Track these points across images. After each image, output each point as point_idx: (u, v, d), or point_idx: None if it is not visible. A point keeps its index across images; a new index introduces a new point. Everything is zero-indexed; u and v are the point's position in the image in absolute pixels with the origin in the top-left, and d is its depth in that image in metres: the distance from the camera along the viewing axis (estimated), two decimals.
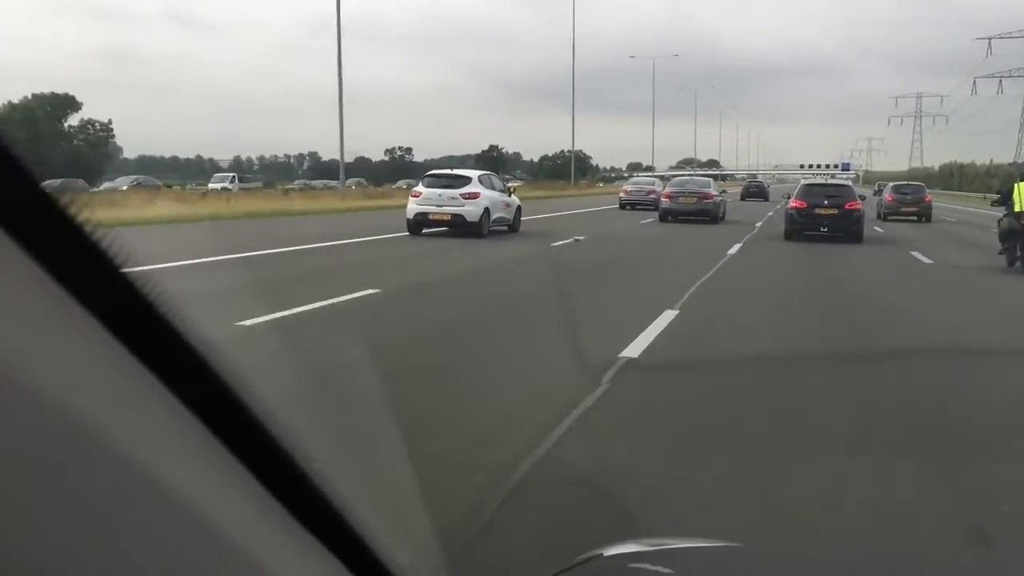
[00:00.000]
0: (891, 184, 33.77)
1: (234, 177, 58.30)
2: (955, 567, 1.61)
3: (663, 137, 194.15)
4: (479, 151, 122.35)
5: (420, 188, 18.81)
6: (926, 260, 15.86)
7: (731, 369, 6.59)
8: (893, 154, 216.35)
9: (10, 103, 63.83)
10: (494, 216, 18.80)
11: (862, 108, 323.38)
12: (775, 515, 3.73)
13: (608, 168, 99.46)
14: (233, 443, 0.61)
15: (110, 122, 68.54)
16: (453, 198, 18.05)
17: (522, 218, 20.88)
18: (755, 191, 55.83)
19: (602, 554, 1.28)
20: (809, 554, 1.89)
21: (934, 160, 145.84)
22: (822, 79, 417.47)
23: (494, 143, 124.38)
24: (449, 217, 18.03)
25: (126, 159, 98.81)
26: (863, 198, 21.38)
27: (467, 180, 18.65)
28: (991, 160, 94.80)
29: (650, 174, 62.42)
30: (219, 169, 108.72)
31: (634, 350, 6.77)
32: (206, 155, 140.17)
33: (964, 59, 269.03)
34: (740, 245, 17.85)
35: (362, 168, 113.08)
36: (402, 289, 10.24)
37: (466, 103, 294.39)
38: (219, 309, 7.61)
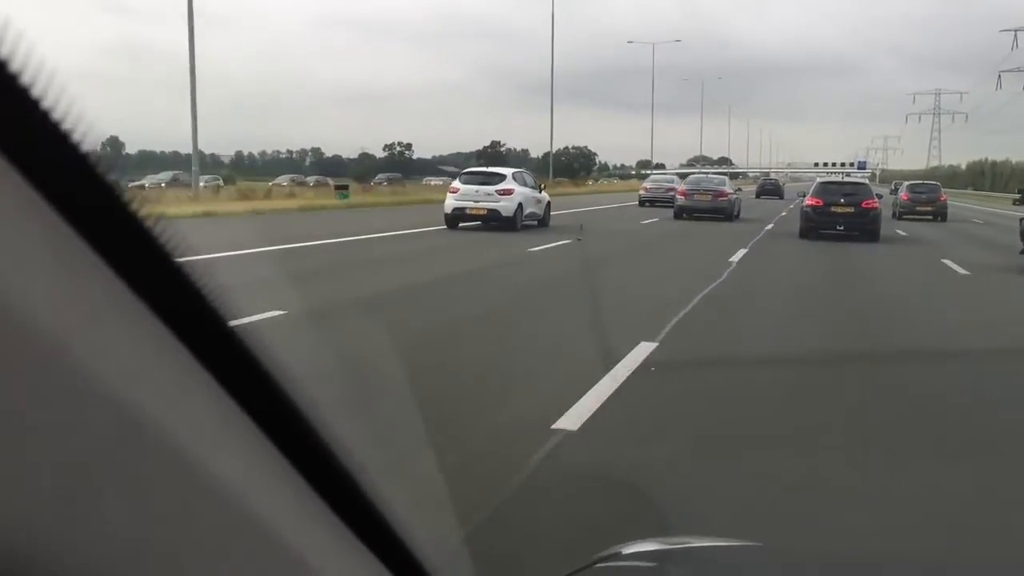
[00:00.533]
0: (906, 183, 35.11)
1: (175, 176, 57.57)
2: (976, 568, 1.62)
3: (674, 135, 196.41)
4: (480, 147, 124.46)
5: (457, 184, 20.66)
6: (961, 271, 14.39)
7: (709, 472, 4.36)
8: (910, 153, 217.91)
9: None
10: (527, 211, 20.65)
11: (877, 106, 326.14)
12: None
13: (619, 165, 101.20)
14: (276, 435, 0.64)
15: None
16: (489, 194, 19.90)
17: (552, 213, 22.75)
18: (770, 189, 57.82)
19: (620, 552, 1.31)
20: (828, 554, 1.91)
21: (953, 158, 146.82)
22: (836, 77, 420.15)
23: (496, 139, 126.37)
24: (485, 212, 19.87)
25: (128, 154, 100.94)
26: (880, 197, 21.77)
27: (502, 177, 20.51)
28: None
29: (666, 172, 64.42)
30: (221, 165, 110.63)
31: (573, 418, 4.94)
32: (207, 151, 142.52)
33: (983, 57, 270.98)
34: (746, 250, 16.59)
35: (364, 164, 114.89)
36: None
37: (475, 100, 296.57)
38: None
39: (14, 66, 0.44)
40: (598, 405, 5.26)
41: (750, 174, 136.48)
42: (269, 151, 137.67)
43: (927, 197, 31.89)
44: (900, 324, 9.31)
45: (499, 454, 4.46)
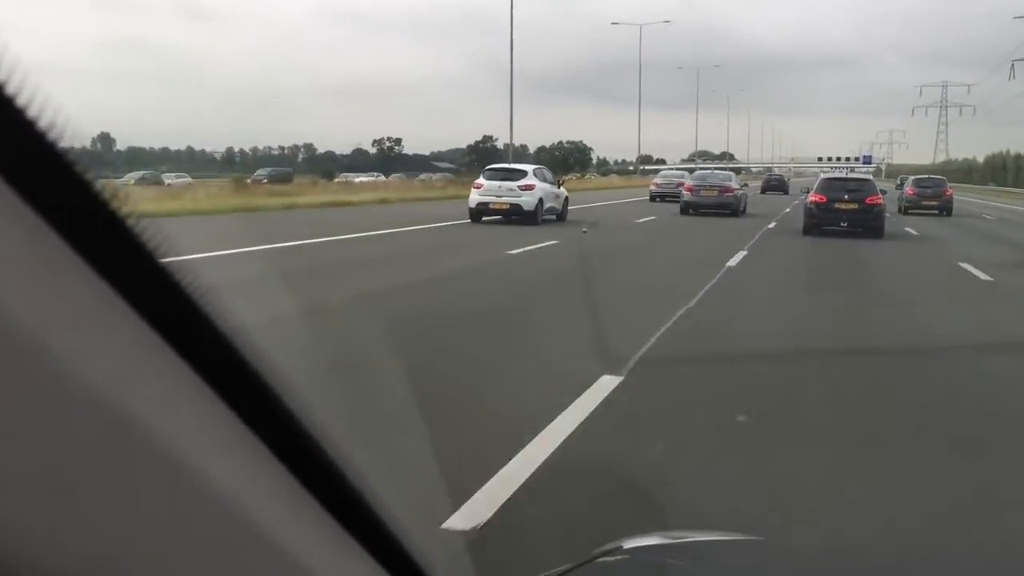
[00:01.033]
0: (912, 178, 36.43)
1: (144, 175, 57.93)
2: (977, 565, 1.67)
3: (675, 130, 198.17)
4: (472, 142, 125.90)
5: (481, 180, 22.46)
6: (982, 275, 13.31)
7: None
8: (916, 147, 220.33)
9: None
10: (546, 206, 22.34)
11: (881, 100, 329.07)
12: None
13: (620, 160, 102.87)
14: (266, 435, 0.65)
15: None
16: (511, 189, 21.64)
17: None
18: (775, 184, 59.76)
19: (622, 546, 1.36)
20: (828, 549, 1.94)
21: (960, 152, 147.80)
22: (839, 71, 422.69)
23: (489, 134, 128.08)
24: (508, 206, 21.57)
25: (119, 151, 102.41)
26: (884, 192, 22.31)
27: (524, 173, 22.32)
28: None
29: (678, 167, 66.27)
30: (211, 161, 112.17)
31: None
32: (197, 146, 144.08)
33: (989, 50, 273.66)
34: (745, 252, 15.84)
35: (358, 160, 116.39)
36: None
37: (474, 94, 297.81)
38: None
39: None
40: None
41: (753, 169, 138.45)
42: (261, 147, 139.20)
43: (933, 192, 33.08)
44: (918, 356, 7.62)
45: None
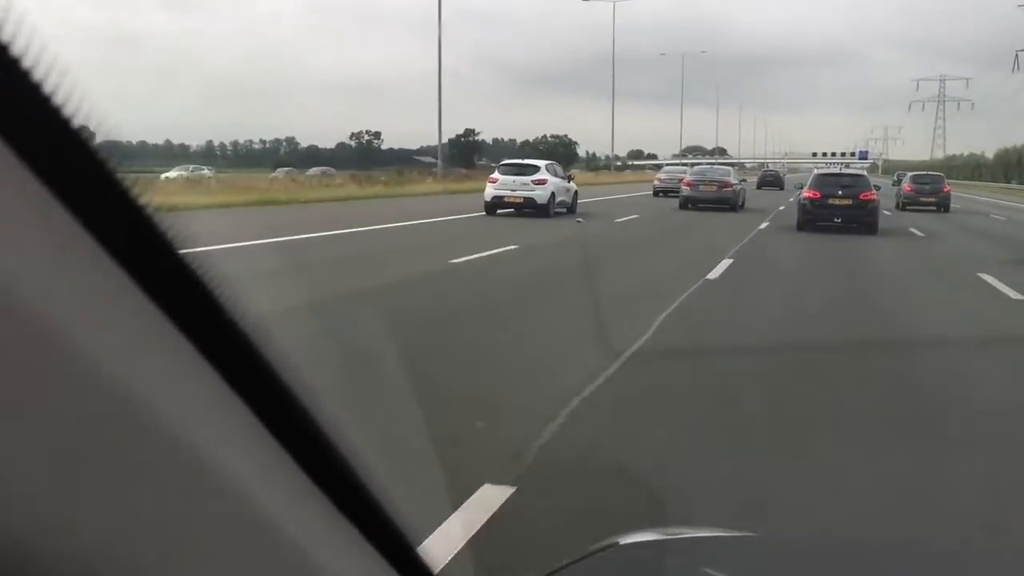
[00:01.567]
0: (910, 174, 38.01)
1: None
2: (973, 556, 1.73)
3: (667, 125, 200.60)
4: (454, 135, 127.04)
5: (497, 175, 24.28)
6: (1012, 293, 11.25)
7: None
8: (912, 143, 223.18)
9: None
10: (558, 199, 24.16)
11: (878, 96, 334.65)
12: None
13: (611, 155, 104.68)
14: (279, 429, 0.68)
15: None
16: (525, 184, 23.46)
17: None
18: (771, 180, 61.96)
19: (617, 542, 1.42)
20: (825, 544, 2.01)
21: (957, 148, 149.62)
22: (835, 66, 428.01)
23: (471, 127, 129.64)
24: (522, 200, 23.35)
25: (102, 145, 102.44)
26: (878, 188, 22.73)
27: (536, 168, 24.21)
28: None
29: (681, 162, 67.95)
30: (189, 155, 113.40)
31: None
32: (176, 140, 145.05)
33: (986, 45, 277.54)
34: (730, 261, 13.96)
35: (340, 154, 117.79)
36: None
37: (465, 88, 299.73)
38: None
39: (15, 50, 0.46)
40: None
41: (747, 165, 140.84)
42: (242, 141, 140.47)
43: (931, 188, 34.53)
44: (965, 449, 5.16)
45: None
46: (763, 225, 23.37)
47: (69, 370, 0.51)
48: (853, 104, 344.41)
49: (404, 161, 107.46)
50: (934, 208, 33.39)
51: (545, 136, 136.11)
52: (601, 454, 4.87)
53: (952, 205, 34.41)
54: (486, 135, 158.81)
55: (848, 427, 5.44)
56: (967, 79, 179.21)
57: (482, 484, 4.09)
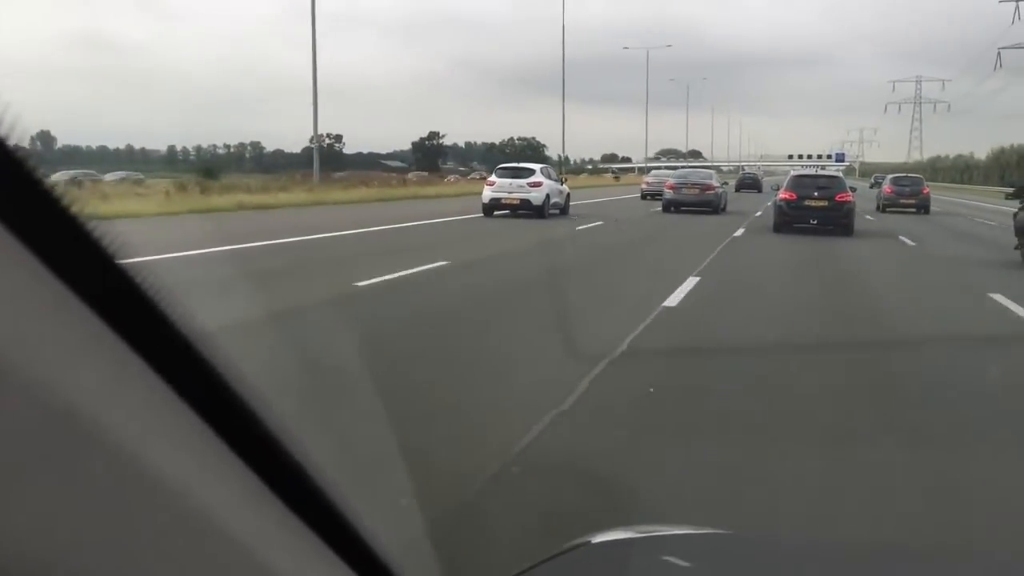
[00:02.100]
0: (890, 176, 39.68)
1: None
2: (945, 557, 1.79)
3: (641, 128, 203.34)
4: (417, 139, 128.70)
5: (494, 178, 26.27)
6: None
7: None
8: (888, 145, 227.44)
9: None
10: (552, 201, 26.10)
11: (853, 99, 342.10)
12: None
13: (585, 159, 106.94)
14: (228, 435, 0.68)
15: None
16: (521, 186, 25.39)
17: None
18: (749, 183, 64.33)
19: (590, 541, 1.46)
20: (798, 541, 2.06)
21: (934, 150, 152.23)
22: (808, 69, 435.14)
23: (435, 130, 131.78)
24: (518, 202, 25.25)
25: (60, 150, 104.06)
26: (854, 190, 23.27)
27: (532, 171, 26.22)
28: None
29: (667, 166, 70.01)
30: (150, 160, 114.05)
31: None
32: (137, 144, 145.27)
33: (962, 47, 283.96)
34: (696, 281, 12.03)
35: (304, 159, 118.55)
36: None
37: (437, 92, 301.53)
38: None
39: None
40: None
41: (723, 168, 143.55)
42: (205, 145, 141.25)
43: (911, 190, 35.76)
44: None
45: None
46: (739, 233, 22.47)
47: (18, 390, 0.52)
48: (829, 106, 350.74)
49: (371, 165, 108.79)
50: (914, 210, 34.58)
51: (512, 139, 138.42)
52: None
53: (937, 211, 34.61)
54: (459, 139, 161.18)
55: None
56: (943, 80, 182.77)
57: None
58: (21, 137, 0.52)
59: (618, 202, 39.25)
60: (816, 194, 22.13)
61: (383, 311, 9.35)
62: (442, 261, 13.35)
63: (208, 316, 0.88)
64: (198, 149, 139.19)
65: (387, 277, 11.38)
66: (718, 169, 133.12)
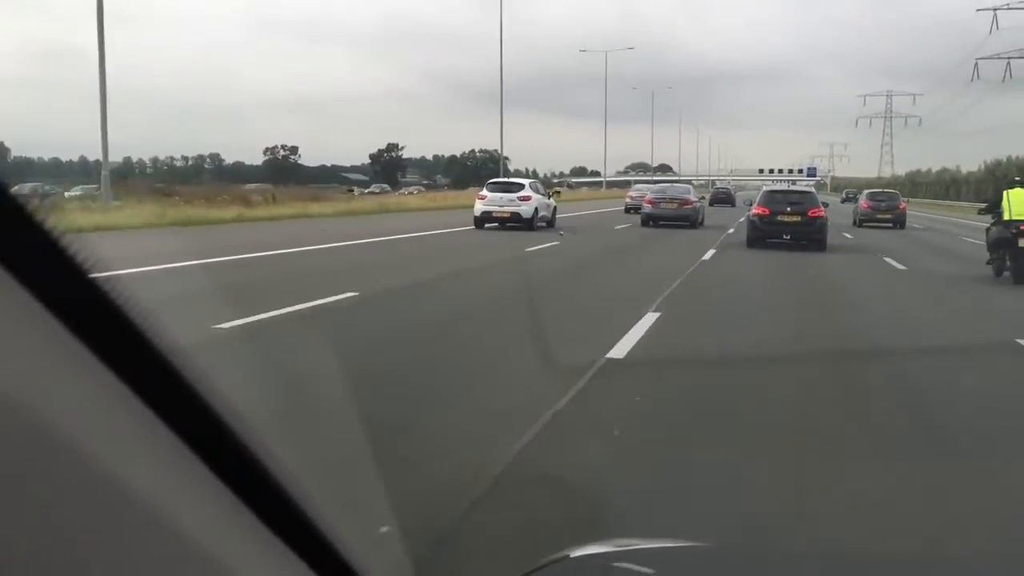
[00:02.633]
0: (866, 192, 41.44)
1: None
2: (930, 567, 1.84)
3: (614, 142, 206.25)
4: (375, 150, 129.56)
5: (485, 192, 28.07)
6: None
7: None
8: (859, 159, 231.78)
9: None
10: (540, 214, 27.85)
11: (825, 114, 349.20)
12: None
13: (557, 173, 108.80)
14: (201, 447, 0.71)
15: None
16: (511, 200, 27.18)
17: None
18: (723, 198, 66.51)
19: (569, 555, 1.50)
20: (780, 553, 2.10)
21: (904, 166, 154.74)
22: (780, 84, 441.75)
23: (394, 142, 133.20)
24: (508, 215, 27.00)
25: (12, 162, 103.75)
26: (826, 205, 23.80)
27: (521, 186, 28.16)
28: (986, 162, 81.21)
29: (648, 181, 72.31)
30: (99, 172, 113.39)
31: None
32: (92, 156, 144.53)
33: (933, 62, 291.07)
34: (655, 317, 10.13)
35: (263, 171, 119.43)
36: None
37: (406, 104, 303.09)
38: None
39: None
40: None
41: (694, 182, 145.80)
42: (162, 157, 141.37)
43: (887, 205, 37.38)
44: None
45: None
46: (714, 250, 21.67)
47: None
48: (799, 120, 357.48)
49: (331, 178, 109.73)
50: (890, 225, 35.90)
51: (474, 151, 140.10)
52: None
53: (916, 227, 35.38)
54: (425, 151, 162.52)
55: None
56: (914, 95, 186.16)
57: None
58: None
59: (603, 215, 41.05)
60: (789, 209, 22.84)
61: (239, 365, 6.56)
62: (350, 292, 11.27)
63: None
64: (154, 161, 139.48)
65: (260, 317, 9.01)
66: (689, 184, 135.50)
